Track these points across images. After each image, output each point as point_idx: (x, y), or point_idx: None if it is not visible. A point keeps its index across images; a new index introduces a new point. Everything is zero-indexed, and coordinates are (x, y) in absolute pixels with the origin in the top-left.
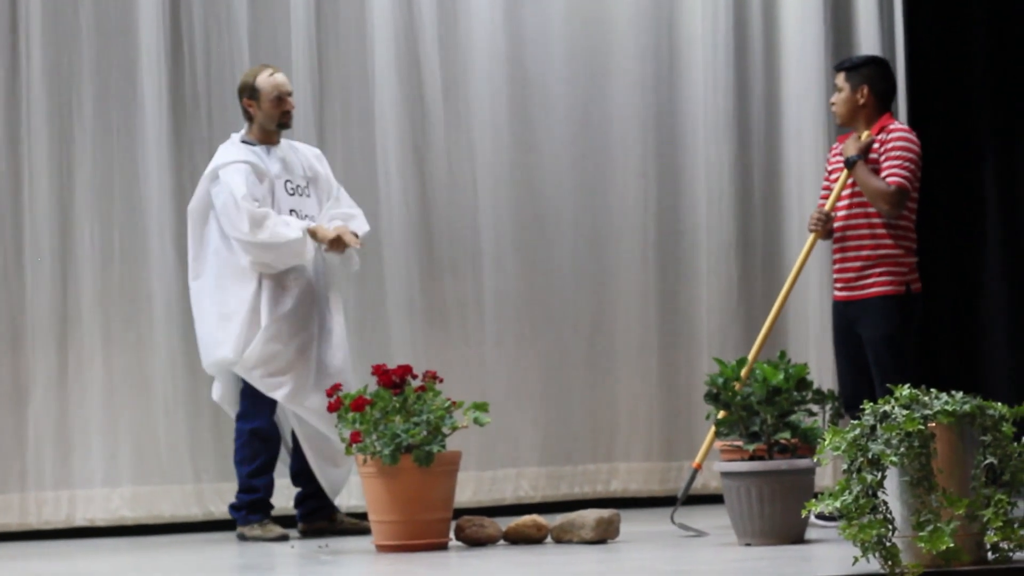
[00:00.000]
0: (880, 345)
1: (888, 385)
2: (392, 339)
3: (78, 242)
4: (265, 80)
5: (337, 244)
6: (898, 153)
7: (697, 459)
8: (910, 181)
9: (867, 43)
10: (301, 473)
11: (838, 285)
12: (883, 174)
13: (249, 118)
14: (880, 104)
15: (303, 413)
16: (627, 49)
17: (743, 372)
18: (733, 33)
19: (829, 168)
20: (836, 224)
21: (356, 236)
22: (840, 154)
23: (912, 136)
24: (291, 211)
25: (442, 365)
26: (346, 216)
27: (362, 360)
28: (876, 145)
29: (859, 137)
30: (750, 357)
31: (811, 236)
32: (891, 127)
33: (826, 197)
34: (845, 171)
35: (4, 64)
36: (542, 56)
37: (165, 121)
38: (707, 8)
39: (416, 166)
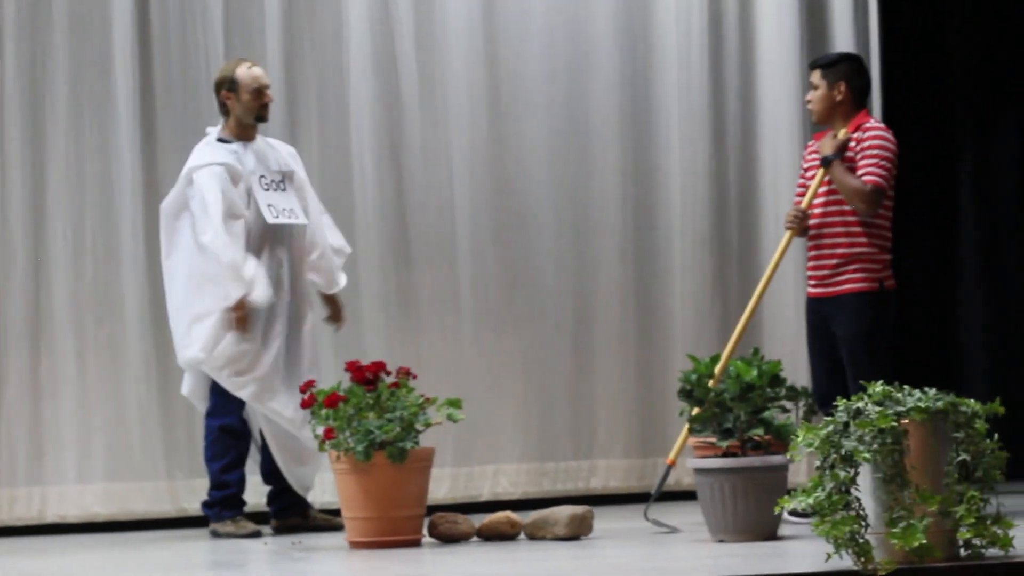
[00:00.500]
0: (855, 343)
1: (861, 382)
2: (366, 335)
3: (50, 240)
4: (245, 72)
5: (241, 323)
6: (874, 152)
7: (671, 456)
8: (886, 180)
9: (842, 40)
10: (272, 471)
11: (812, 282)
12: (859, 173)
13: (226, 112)
14: (857, 101)
15: (269, 413)
16: (605, 47)
17: (716, 370)
18: (708, 31)
19: (805, 166)
20: (812, 222)
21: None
22: (816, 152)
23: (888, 135)
24: (268, 205)
25: (417, 362)
26: (335, 251)
27: (337, 356)
28: (852, 144)
29: (835, 135)
30: (724, 355)
31: (787, 234)
32: (867, 125)
33: (802, 195)
34: (821, 170)
35: None
36: (520, 53)
37: (138, 118)
38: (681, 6)
39: (391, 162)
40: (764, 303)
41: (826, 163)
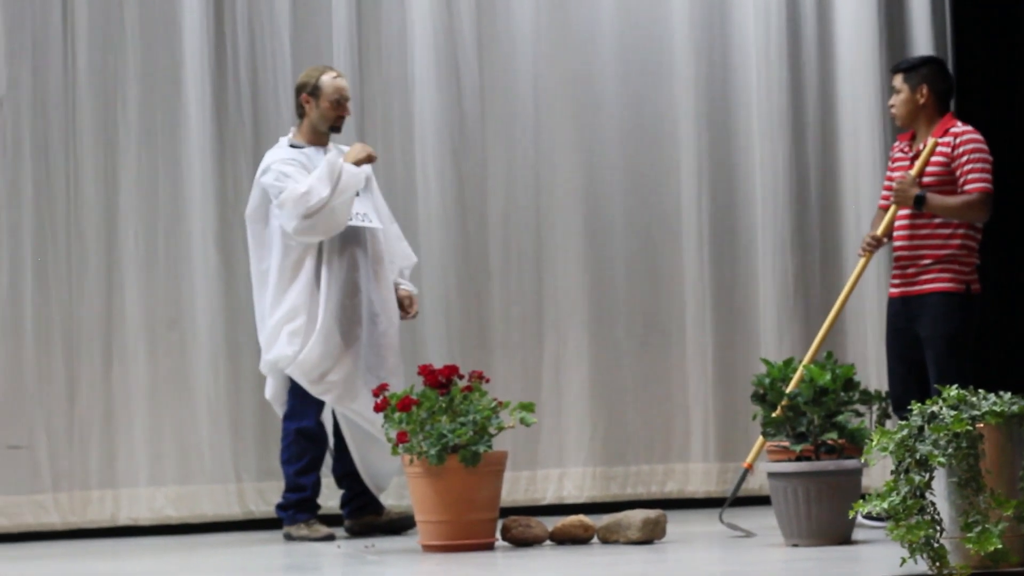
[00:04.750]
0: (939, 344)
1: (936, 386)
2: (429, 341)
3: (123, 245)
4: (329, 81)
5: (370, 156)
6: (975, 157)
7: (748, 459)
8: (991, 183)
9: (920, 40)
10: (346, 475)
11: (895, 281)
12: (961, 181)
13: (302, 115)
14: (940, 104)
15: (351, 415)
16: (680, 47)
17: (792, 384)
18: (786, 31)
19: (892, 165)
20: (900, 223)
21: (367, 159)
22: (902, 151)
23: (979, 136)
24: None
25: (481, 368)
26: (403, 257)
27: (402, 362)
28: (946, 149)
29: (916, 146)
30: (804, 362)
31: (861, 260)
32: (955, 130)
33: (886, 198)
34: (894, 205)
35: (52, 67)
36: (591, 56)
37: (208, 125)
38: (759, 5)
39: (454, 169)
40: (847, 305)
41: (920, 203)
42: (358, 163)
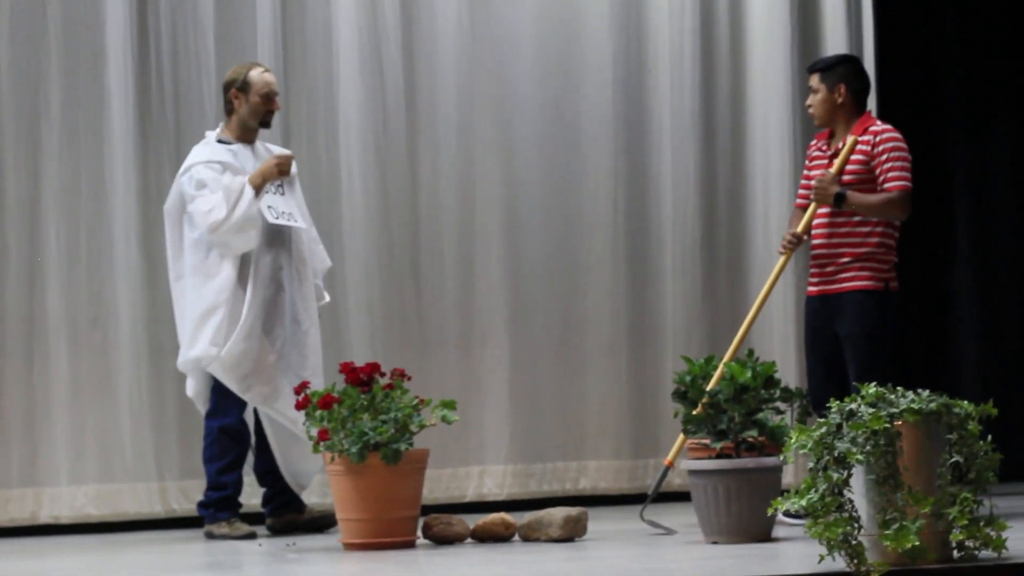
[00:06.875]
0: (859, 342)
1: (855, 384)
2: (353, 339)
3: (45, 242)
4: (257, 76)
5: (283, 167)
6: (895, 154)
7: (669, 456)
8: (910, 181)
9: (835, 41)
10: (268, 473)
11: (814, 279)
12: (881, 179)
13: (230, 112)
14: (858, 102)
15: (273, 414)
16: (597, 49)
17: (712, 382)
18: (700, 33)
19: (810, 164)
20: (818, 221)
21: (285, 164)
22: (820, 149)
23: (899, 134)
24: (268, 207)
25: (402, 365)
26: (318, 259)
27: (324, 360)
28: (866, 147)
29: (833, 144)
30: (722, 363)
31: (782, 257)
32: (875, 128)
33: (804, 196)
34: (813, 203)
35: None
36: (511, 56)
37: (131, 122)
38: (674, 7)
39: (378, 168)
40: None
41: (840, 201)
42: (270, 176)
